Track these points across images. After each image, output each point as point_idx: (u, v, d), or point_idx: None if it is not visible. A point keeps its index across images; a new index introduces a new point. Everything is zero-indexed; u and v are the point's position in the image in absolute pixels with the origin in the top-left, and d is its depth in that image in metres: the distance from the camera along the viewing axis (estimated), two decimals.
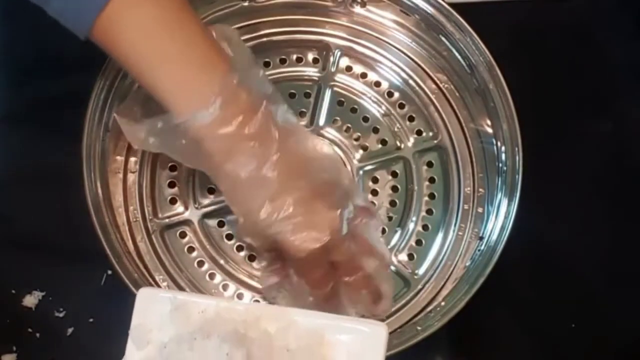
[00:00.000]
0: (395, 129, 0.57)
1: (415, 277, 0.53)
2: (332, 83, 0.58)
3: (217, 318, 0.39)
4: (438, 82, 0.57)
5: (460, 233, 0.54)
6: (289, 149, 0.46)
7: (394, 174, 0.56)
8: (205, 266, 0.53)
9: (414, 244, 0.54)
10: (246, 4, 0.57)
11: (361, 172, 0.56)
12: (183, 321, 0.40)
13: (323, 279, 0.48)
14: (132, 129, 0.47)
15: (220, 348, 0.38)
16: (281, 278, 0.50)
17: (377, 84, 0.58)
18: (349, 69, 0.58)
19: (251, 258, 0.54)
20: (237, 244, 0.54)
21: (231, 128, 0.44)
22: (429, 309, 0.52)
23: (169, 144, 0.46)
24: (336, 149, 0.55)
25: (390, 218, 0.55)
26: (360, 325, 0.39)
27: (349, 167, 0.55)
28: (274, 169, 0.45)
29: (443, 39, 0.56)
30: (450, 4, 0.54)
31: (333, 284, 0.48)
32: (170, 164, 0.55)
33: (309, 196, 0.46)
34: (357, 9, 0.58)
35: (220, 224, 0.54)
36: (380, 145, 0.57)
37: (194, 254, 0.53)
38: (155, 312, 0.40)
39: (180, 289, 0.51)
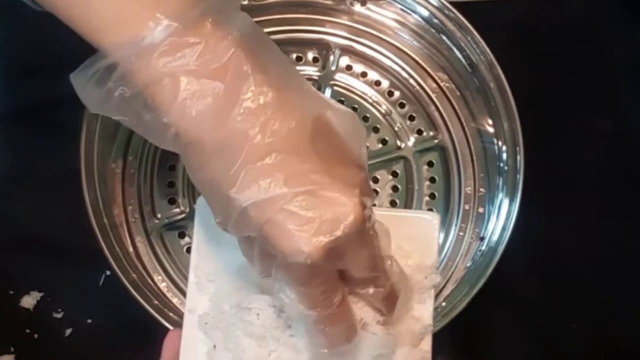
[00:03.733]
0: (396, 129, 0.57)
1: None
2: (332, 82, 0.57)
3: None
4: (439, 81, 0.57)
5: (461, 233, 0.54)
6: (280, 101, 0.32)
7: (395, 174, 0.56)
8: None
9: None
10: (245, 2, 0.57)
11: None
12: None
13: (329, 293, 0.34)
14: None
15: None
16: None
17: (378, 83, 0.58)
18: (349, 68, 0.58)
19: None
20: None
21: (184, 60, 0.31)
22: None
23: (116, 101, 0.33)
24: None
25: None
26: (413, 218, 0.41)
27: None
28: (254, 124, 0.31)
29: (444, 37, 0.56)
30: (451, 3, 0.54)
31: (341, 298, 0.35)
32: (169, 164, 0.55)
33: (310, 168, 0.32)
34: (358, 7, 0.58)
35: None
36: (380, 145, 0.56)
37: None
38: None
39: (180, 290, 0.51)
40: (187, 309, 0.40)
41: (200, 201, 0.41)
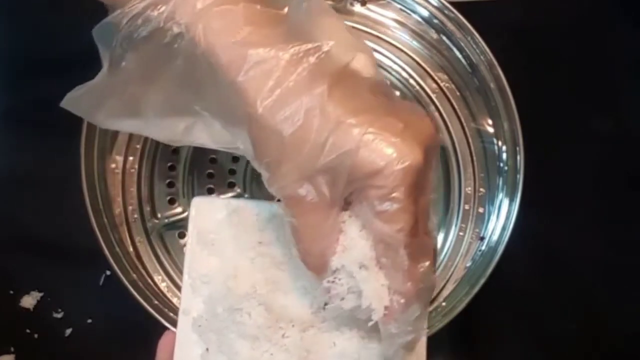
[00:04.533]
0: None
1: None
2: None
3: (274, 219, 0.39)
4: (439, 81, 0.57)
5: (461, 233, 0.54)
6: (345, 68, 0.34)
7: None
8: None
9: None
10: None
11: None
12: (241, 224, 0.39)
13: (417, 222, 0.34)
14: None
15: (278, 243, 0.38)
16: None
17: None
18: None
19: None
20: None
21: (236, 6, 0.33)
22: (429, 309, 0.52)
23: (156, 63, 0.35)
24: None
25: None
26: None
27: None
28: (323, 79, 0.33)
29: (444, 38, 0.56)
30: (451, 3, 0.54)
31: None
32: (169, 164, 0.55)
33: (382, 114, 0.33)
34: (358, 7, 0.58)
35: None
36: None
37: None
38: (211, 219, 0.40)
39: (180, 290, 0.51)
40: (182, 310, 0.40)
41: (195, 202, 0.41)
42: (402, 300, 0.34)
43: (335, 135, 0.32)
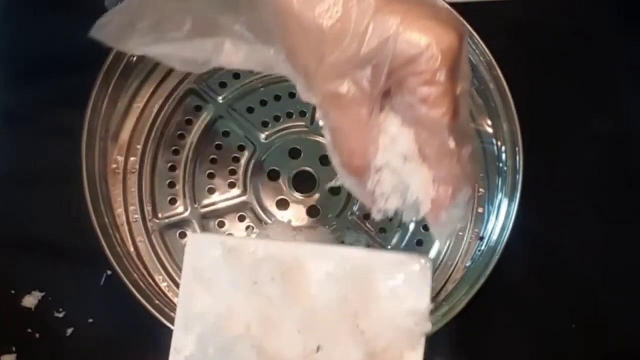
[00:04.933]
0: None
1: None
2: None
3: (268, 257, 0.39)
4: None
5: (460, 233, 0.54)
6: None
7: None
8: None
9: (414, 244, 0.54)
10: None
11: None
12: (236, 263, 0.39)
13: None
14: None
15: (273, 284, 0.38)
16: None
17: None
18: None
19: None
20: None
21: None
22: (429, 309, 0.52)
23: None
24: None
25: (390, 219, 0.55)
26: (406, 262, 0.39)
27: None
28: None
29: None
30: (450, 4, 0.54)
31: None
32: (169, 164, 0.55)
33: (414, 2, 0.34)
34: None
35: (220, 224, 0.54)
36: None
37: None
38: (206, 256, 0.39)
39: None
40: (173, 347, 0.39)
41: (191, 238, 0.41)
42: (450, 190, 0.34)
43: (375, 24, 0.32)
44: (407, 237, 0.54)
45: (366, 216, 0.54)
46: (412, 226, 0.54)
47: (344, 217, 0.55)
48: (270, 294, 0.38)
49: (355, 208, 0.55)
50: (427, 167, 0.35)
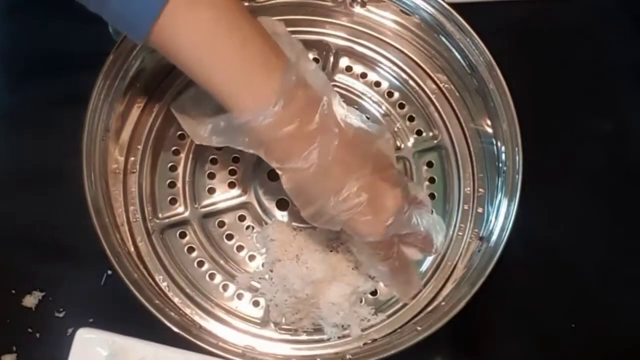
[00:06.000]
0: (395, 129, 0.57)
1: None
2: (333, 83, 0.57)
3: None
4: (438, 82, 0.57)
5: (460, 233, 0.54)
6: (348, 139, 0.46)
7: None
8: (206, 266, 0.53)
9: None
10: (246, 4, 0.57)
11: None
12: None
13: (392, 250, 0.49)
14: (193, 126, 0.48)
15: None
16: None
17: (377, 84, 0.58)
18: (349, 69, 0.58)
19: (251, 258, 0.54)
20: (237, 244, 0.54)
21: (293, 127, 0.44)
22: (429, 309, 0.52)
23: (232, 140, 0.46)
24: None
25: None
26: None
27: None
28: (338, 163, 0.45)
29: (443, 39, 0.56)
30: (450, 4, 0.54)
31: (397, 248, 0.50)
32: (170, 165, 0.55)
33: (371, 179, 0.46)
34: (357, 9, 0.58)
35: (221, 224, 0.54)
36: None
37: (194, 254, 0.53)
38: (92, 356, 0.39)
39: (180, 289, 0.51)
40: None
41: (80, 335, 0.41)
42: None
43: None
44: None
45: None
46: None
47: None
48: None
49: None
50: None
